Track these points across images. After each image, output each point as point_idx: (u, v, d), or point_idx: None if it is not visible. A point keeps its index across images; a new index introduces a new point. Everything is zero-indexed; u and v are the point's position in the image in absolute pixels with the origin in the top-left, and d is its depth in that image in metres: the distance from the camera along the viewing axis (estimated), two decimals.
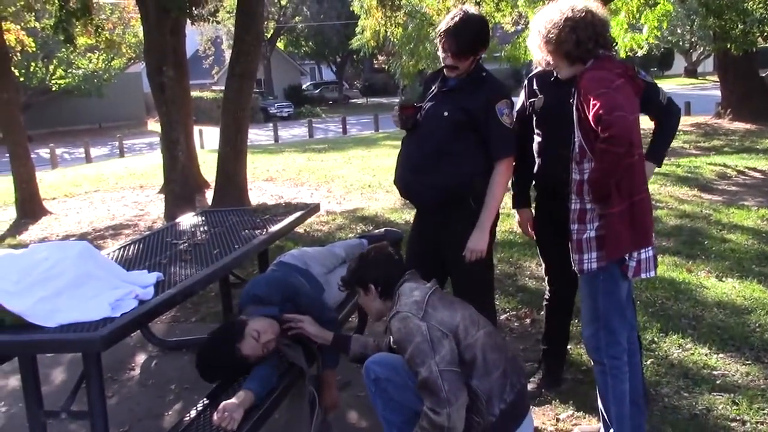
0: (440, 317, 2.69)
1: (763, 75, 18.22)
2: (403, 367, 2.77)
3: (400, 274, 2.94)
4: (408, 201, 3.79)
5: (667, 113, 3.36)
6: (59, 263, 2.92)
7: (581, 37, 2.85)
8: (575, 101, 2.88)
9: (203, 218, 4.89)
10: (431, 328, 2.64)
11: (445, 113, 3.32)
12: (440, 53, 3.36)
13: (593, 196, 2.82)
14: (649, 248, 2.89)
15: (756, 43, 14.07)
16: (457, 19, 3.28)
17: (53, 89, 30.42)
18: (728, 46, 13.87)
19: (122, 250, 4.03)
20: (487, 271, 3.53)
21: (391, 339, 2.78)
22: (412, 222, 3.77)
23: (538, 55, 3.06)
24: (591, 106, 2.68)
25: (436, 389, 2.55)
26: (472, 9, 3.43)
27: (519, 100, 3.62)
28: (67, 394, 2.89)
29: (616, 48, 17.04)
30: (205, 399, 3.15)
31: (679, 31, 42.22)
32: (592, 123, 2.70)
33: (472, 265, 3.35)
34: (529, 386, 3.77)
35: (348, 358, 3.25)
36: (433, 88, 3.45)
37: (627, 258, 2.86)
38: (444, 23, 3.33)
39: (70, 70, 30.56)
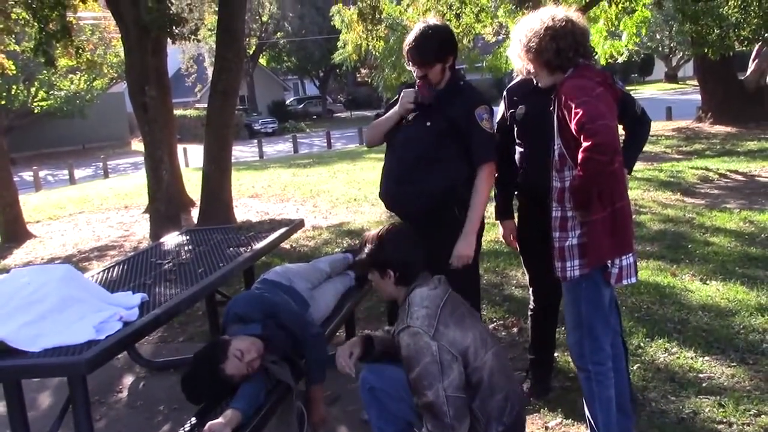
0: (452, 337, 2.63)
1: (742, 78, 18.40)
2: (398, 378, 2.77)
3: (418, 260, 2.88)
4: (394, 213, 3.80)
5: (641, 123, 3.43)
6: (42, 287, 2.92)
7: (561, 46, 2.88)
8: (555, 109, 2.90)
9: (188, 237, 4.89)
10: (442, 350, 2.58)
11: (428, 123, 3.38)
12: (408, 67, 3.42)
13: (574, 203, 2.84)
14: (630, 254, 2.91)
15: (733, 48, 14.23)
16: (417, 31, 3.38)
17: (35, 111, 30.26)
18: (705, 51, 14.01)
19: (106, 271, 4.02)
20: (473, 280, 3.55)
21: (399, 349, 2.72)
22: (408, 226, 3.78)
23: (518, 63, 3.09)
24: (573, 115, 2.70)
25: (440, 414, 2.53)
26: (433, 20, 3.49)
27: (499, 111, 3.65)
28: (53, 419, 2.87)
29: (596, 57, 17.19)
30: (193, 419, 3.13)
31: (658, 36, 42.58)
32: (574, 131, 2.72)
33: (458, 273, 3.36)
34: None
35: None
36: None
37: (609, 265, 2.87)
38: (407, 39, 3.42)
39: (51, 92, 30.41)
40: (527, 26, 2.96)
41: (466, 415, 2.57)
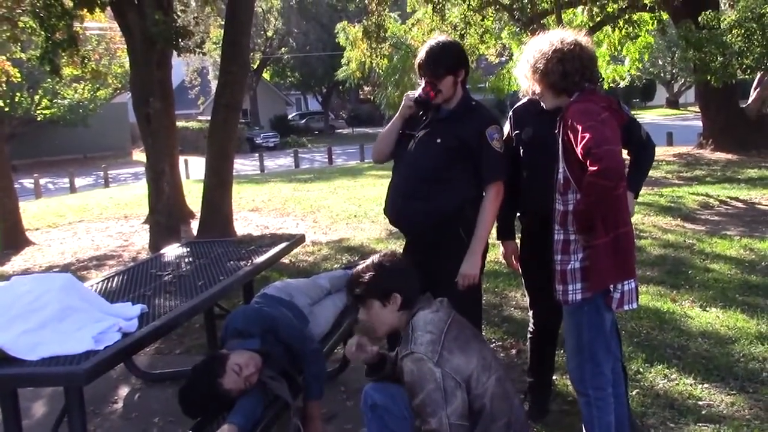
0: (455, 364, 2.60)
1: (743, 106, 18.47)
2: (401, 396, 2.76)
3: (418, 282, 2.86)
4: (397, 229, 3.79)
5: (645, 148, 3.44)
6: (42, 296, 2.91)
7: (568, 69, 2.89)
8: (560, 132, 2.91)
9: (188, 249, 4.88)
10: (446, 377, 2.56)
11: (438, 140, 3.38)
12: (421, 82, 3.43)
13: (578, 227, 2.84)
14: (632, 280, 2.91)
15: (735, 76, 14.26)
16: (428, 45, 3.43)
17: (38, 119, 30.32)
18: (708, 78, 14.06)
19: (106, 281, 4.01)
20: (475, 300, 3.54)
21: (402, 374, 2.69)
22: (401, 252, 3.78)
23: (525, 83, 3.10)
24: (579, 139, 2.71)
25: None
26: (443, 37, 3.55)
27: (504, 132, 3.65)
28: (48, 429, 2.85)
29: (601, 82, 17.28)
30: None
31: (660, 62, 42.90)
32: (580, 155, 2.72)
33: (462, 293, 3.35)
34: None
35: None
36: (426, 118, 3.49)
37: (611, 289, 2.87)
38: (419, 54, 3.47)
39: (55, 101, 30.50)
40: (536, 47, 2.98)
41: None
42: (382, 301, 2.81)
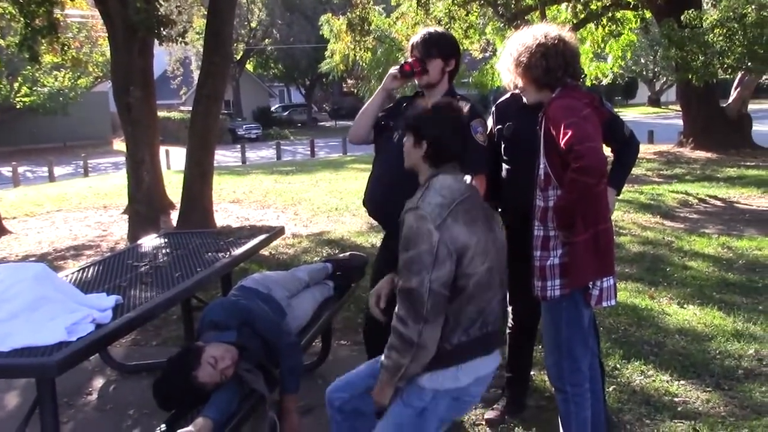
0: (456, 233, 2.50)
1: (724, 105, 18.62)
2: (359, 375, 2.76)
3: (456, 148, 2.71)
4: (376, 221, 3.76)
5: (629, 145, 3.43)
6: (14, 286, 2.86)
7: (551, 65, 2.88)
8: (542, 128, 2.90)
9: (166, 240, 4.83)
10: (441, 243, 2.46)
11: None
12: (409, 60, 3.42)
13: (558, 223, 2.83)
14: (611, 277, 2.91)
15: (716, 75, 14.38)
16: (425, 30, 3.49)
17: (18, 107, 30.01)
18: (690, 77, 14.16)
19: (81, 272, 3.95)
20: None
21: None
22: (379, 246, 3.76)
23: (507, 77, 3.09)
24: (562, 135, 2.70)
25: (417, 304, 2.44)
26: (441, 29, 3.61)
27: (487, 127, 3.64)
28: (19, 420, 2.81)
29: (583, 78, 17.35)
30: (163, 426, 3.08)
31: (642, 60, 43.13)
32: (562, 152, 2.71)
33: None
34: (492, 413, 3.77)
35: None
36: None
37: (590, 286, 2.87)
38: (412, 38, 3.50)
39: (35, 88, 30.18)
40: (520, 41, 2.97)
41: (441, 313, 2.48)
42: (415, 141, 2.75)
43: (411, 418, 2.58)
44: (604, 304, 2.93)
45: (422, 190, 2.62)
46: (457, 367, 2.54)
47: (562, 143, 2.70)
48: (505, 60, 3.04)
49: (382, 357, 2.55)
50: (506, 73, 3.07)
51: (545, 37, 2.90)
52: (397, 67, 3.43)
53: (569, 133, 2.66)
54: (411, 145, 2.75)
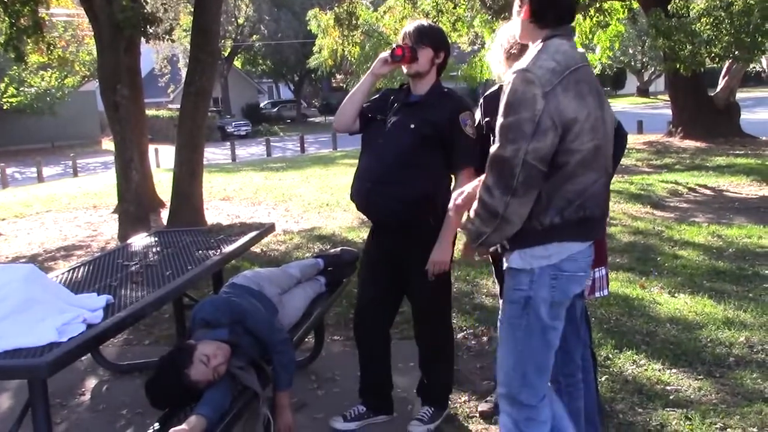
0: (564, 104, 2.30)
1: (712, 94, 18.68)
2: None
3: (570, 7, 2.50)
4: (365, 216, 3.74)
5: (618, 136, 3.42)
6: (4, 287, 2.84)
7: None
8: None
9: (156, 239, 4.82)
10: (545, 112, 2.27)
11: (412, 125, 3.34)
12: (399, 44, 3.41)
13: None
14: (602, 267, 2.91)
15: (704, 64, 14.42)
16: (417, 22, 3.50)
17: (5, 107, 29.85)
18: (677, 66, 14.19)
19: (71, 272, 3.94)
20: (445, 288, 3.53)
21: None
22: (366, 239, 3.76)
23: (497, 69, 3.09)
24: None
25: (507, 174, 2.28)
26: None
27: (476, 119, 3.64)
28: (12, 422, 2.79)
29: None
30: (156, 424, 3.07)
31: (630, 51, 43.22)
32: None
33: (431, 281, 3.34)
34: (486, 405, 3.78)
35: None
36: (396, 103, 3.46)
37: None
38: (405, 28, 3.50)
39: (22, 88, 30.03)
40: (510, 32, 2.97)
41: (534, 188, 2.31)
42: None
43: (518, 310, 2.49)
44: (597, 294, 2.94)
45: (533, 52, 2.40)
46: (545, 246, 2.41)
47: None
48: (496, 51, 3.04)
49: (464, 218, 2.41)
50: (497, 65, 3.07)
51: None
52: (388, 51, 3.41)
53: None
54: (516, 12, 2.52)
